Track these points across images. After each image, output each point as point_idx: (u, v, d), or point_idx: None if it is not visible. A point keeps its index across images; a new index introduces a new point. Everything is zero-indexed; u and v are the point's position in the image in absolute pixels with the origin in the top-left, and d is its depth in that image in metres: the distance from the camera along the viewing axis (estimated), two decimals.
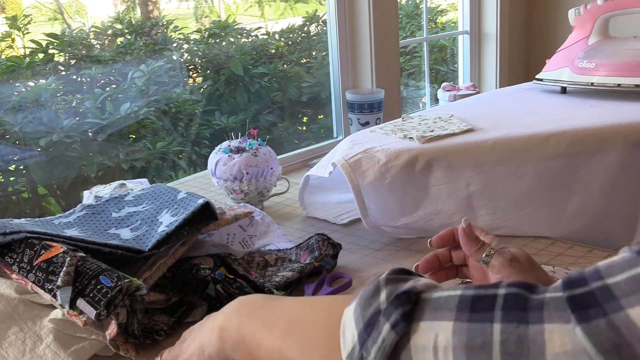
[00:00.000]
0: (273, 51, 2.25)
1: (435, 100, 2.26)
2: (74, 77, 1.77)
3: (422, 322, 0.40)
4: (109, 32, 1.91)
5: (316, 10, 2.32)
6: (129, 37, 1.91)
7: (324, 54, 2.21)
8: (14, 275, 0.78)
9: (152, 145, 1.83)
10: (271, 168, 1.23)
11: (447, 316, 0.39)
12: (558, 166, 1.01)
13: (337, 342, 0.44)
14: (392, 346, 0.40)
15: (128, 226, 0.89)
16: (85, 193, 1.09)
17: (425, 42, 2.27)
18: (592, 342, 0.34)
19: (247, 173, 1.19)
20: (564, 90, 1.40)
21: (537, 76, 1.45)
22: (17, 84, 1.62)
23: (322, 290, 0.87)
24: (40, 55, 1.68)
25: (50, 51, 1.70)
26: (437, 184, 1.02)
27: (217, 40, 2.12)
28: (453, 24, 2.67)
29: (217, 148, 1.27)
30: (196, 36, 2.12)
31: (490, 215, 1.02)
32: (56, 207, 1.70)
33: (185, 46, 2.11)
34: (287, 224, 1.18)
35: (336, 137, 1.86)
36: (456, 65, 2.53)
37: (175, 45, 2.05)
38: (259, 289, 0.82)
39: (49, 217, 0.94)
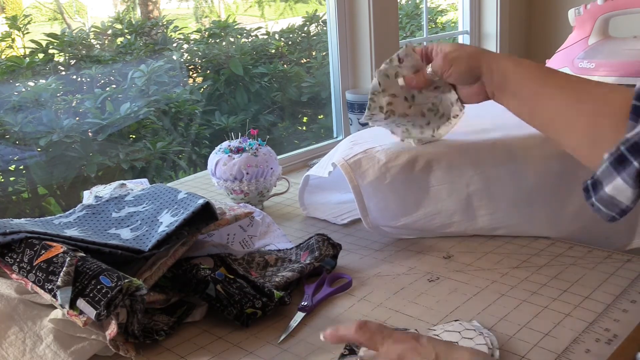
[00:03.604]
0: (273, 51, 2.26)
1: None
2: (74, 77, 1.77)
3: None
4: (109, 32, 1.91)
5: (316, 10, 2.32)
6: (129, 37, 1.92)
7: (324, 54, 2.21)
8: (14, 275, 0.78)
9: (152, 145, 1.83)
10: (271, 168, 1.23)
11: None
12: (558, 166, 1.01)
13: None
14: None
15: (128, 226, 0.89)
16: (85, 193, 1.08)
17: (425, 42, 2.27)
18: None
19: (247, 173, 1.19)
20: None
21: None
22: (17, 84, 1.62)
23: (322, 290, 0.87)
24: (40, 55, 1.68)
25: (50, 51, 1.70)
26: (437, 184, 1.02)
27: (217, 40, 2.12)
28: (453, 24, 2.67)
29: (217, 148, 1.27)
30: (196, 36, 2.12)
31: (490, 215, 1.02)
32: (56, 207, 1.70)
33: (185, 46, 2.11)
34: (287, 224, 1.18)
35: (336, 137, 1.86)
36: None
37: (175, 45, 2.05)
38: (259, 289, 0.82)
39: (49, 217, 0.94)
